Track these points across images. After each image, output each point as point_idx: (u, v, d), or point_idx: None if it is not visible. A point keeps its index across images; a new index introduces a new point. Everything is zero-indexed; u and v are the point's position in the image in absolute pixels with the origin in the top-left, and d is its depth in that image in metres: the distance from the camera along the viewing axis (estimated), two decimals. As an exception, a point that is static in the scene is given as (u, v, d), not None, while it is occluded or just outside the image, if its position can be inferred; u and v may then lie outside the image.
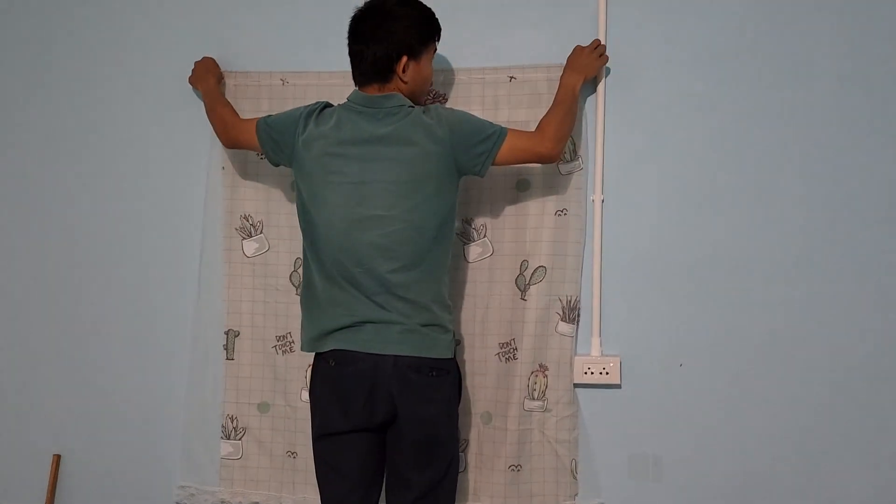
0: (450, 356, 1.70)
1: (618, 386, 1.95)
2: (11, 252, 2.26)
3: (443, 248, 1.72)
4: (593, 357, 1.94)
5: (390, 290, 1.64)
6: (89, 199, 2.21)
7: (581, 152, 1.94)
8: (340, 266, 1.66)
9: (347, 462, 1.70)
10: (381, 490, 1.77)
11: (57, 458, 2.21)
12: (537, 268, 1.93)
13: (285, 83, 2.03)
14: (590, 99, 1.96)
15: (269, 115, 1.84)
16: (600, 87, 1.94)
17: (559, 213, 1.93)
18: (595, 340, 1.95)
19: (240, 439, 2.07)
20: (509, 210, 1.96)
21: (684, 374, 1.94)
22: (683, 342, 1.94)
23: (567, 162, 1.94)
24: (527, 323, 1.93)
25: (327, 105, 1.78)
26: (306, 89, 2.01)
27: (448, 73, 1.99)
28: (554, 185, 1.94)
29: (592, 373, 1.92)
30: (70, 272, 2.22)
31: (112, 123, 2.19)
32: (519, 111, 1.94)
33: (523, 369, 1.93)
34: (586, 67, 1.87)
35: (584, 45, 1.90)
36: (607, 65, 1.93)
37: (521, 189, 1.96)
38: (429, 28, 1.75)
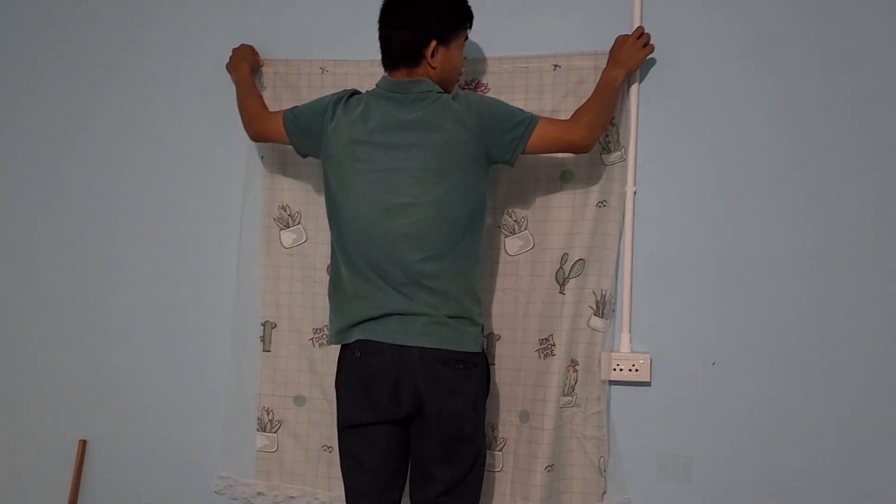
0: (478, 350, 1.67)
1: (647, 384, 1.90)
2: (47, 241, 2.29)
3: (473, 238, 1.69)
4: (623, 354, 1.89)
5: (418, 281, 1.62)
6: (128, 188, 2.22)
7: (624, 142, 1.88)
8: (367, 256, 1.64)
9: (371, 454, 1.68)
10: (404, 483, 1.74)
11: (83, 444, 2.24)
12: (577, 261, 1.88)
13: (324, 71, 2.01)
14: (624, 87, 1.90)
15: (296, 106, 1.83)
16: (635, 74, 1.88)
17: (600, 204, 1.88)
18: (625, 336, 1.90)
19: (275, 432, 2.06)
20: (551, 202, 1.92)
21: (717, 373, 1.89)
22: (716, 340, 1.89)
23: (610, 152, 1.88)
24: (564, 318, 1.88)
25: (355, 92, 1.76)
26: (346, 77, 1.99)
27: (491, 61, 1.94)
28: (596, 176, 1.89)
29: (622, 370, 1.88)
30: (108, 261, 2.24)
31: (150, 112, 2.20)
32: (564, 100, 1.89)
33: (560, 366, 1.88)
34: (629, 60, 1.82)
35: (627, 35, 1.84)
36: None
37: (564, 180, 1.91)
38: (460, 14, 1.72)
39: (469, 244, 1.67)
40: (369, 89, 1.74)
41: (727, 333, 1.88)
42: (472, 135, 1.64)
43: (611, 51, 1.83)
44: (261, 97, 1.97)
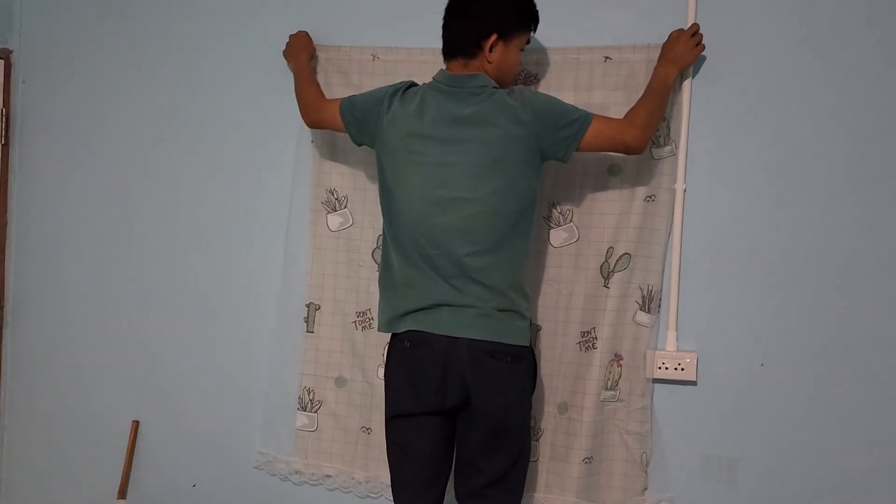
0: (526, 343, 1.67)
1: (693, 383, 1.88)
2: (99, 225, 2.35)
3: (523, 234, 1.69)
4: (669, 352, 1.87)
5: (467, 274, 1.63)
6: (179, 171, 2.26)
7: (675, 137, 1.85)
8: (418, 247, 1.65)
9: (417, 444, 1.70)
10: (449, 474, 1.76)
11: (135, 425, 2.31)
12: (622, 255, 1.87)
13: (375, 58, 2.02)
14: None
15: (354, 95, 1.83)
16: (688, 69, 1.84)
17: (648, 198, 1.86)
18: (671, 335, 1.88)
19: (315, 412, 2.10)
20: (598, 195, 1.90)
21: (765, 375, 1.85)
22: (765, 341, 1.85)
23: (659, 147, 1.86)
24: (608, 311, 1.87)
25: (412, 84, 1.77)
26: (396, 65, 1.99)
27: (540, 52, 1.92)
28: (645, 171, 1.86)
29: (667, 368, 1.86)
30: (158, 245, 2.29)
31: (206, 95, 2.23)
32: (614, 94, 1.86)
33: (602, 359, 1.87)
34: (682, 58, 1.78)
35: (680, 31, 1.80)
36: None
37: (612, 174, 1.89)
38: (526, 15, 1.71)
39: (518, 240, 1.68)
40: (426, 82, 1.75)
41: (777, 335, 1.84)
42: (526, 132, 1.64)
43: (663, 47, 1.80)
44: (318, 85, 1.98)
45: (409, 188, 1.67)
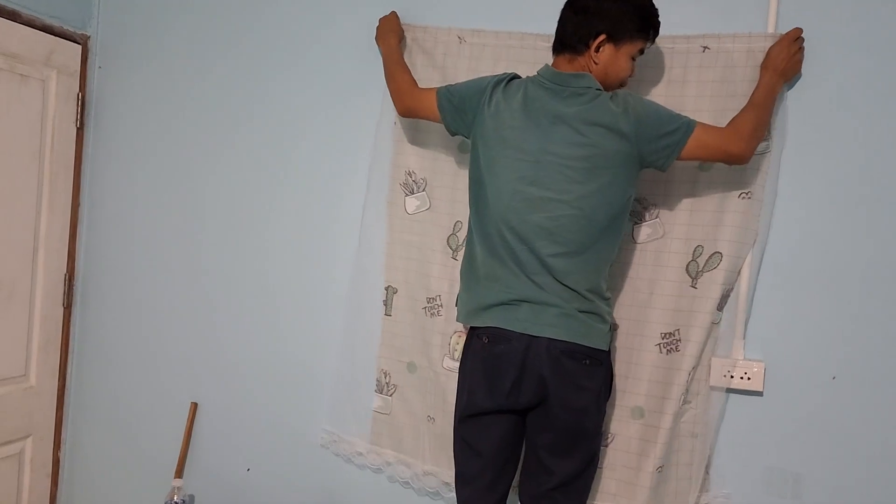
0: (605, 348, 1.63)
1: (759, 393, 1.79)
2: (167, 206, 2.38)
3: (611, 240, 1.64)
4: (735, 360, 1.77)
5: (550, 273, 1.60)
6: (257, 152, 2.27)
7: (773, 132, 1.74)
8: (504, 241, 1.63)
9: (485, 441, 1.68)
10: (514, 473, 1.73)
11: (194, 406, 2.31)
12: (713, 254, 1.77)
13: (462, 41, 1.98)
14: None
15: (451, 84, 1.81)
16: None
17: (743, 195, 1.76)
18: (738, 343, 1.78)
19: (391, 395, 2.08)
20: (687, 190, 1.81)
21: (836, 389, 1.75)
22: (839, 354, 1.74)
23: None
24: (696, 313, 1.77)
25: (515, 76, 1.73)
26: (483, 49, 1.96)
27: None
28: (740, 167, 1.75)
29: (732, 377, 1.76)
30: (230, 227, 2.30)
31: (283, 78, 2.23)
32: (709, 86, 1.77)
33: (686, 363, 1.77)
34: (790, 70, 1.70)
35: (785, 39, 1.70)
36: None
37: (703, 169, 1.80)
38: (644, 23, 1.65)
39: (605, 245, 1.64)
40: (529, 75, 1.71)
41: (851, 348, 1.74)
42: (627, 139, 1.59)
43: (768, 53, 1.71)
44: (409, 71, 1.95)
45: (501, 181, 1.64)
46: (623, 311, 1.86)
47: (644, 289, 1.84)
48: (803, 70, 1.74)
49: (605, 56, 1.63)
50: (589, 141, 1.59)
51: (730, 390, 1.80)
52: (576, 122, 1.60)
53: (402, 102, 1.91)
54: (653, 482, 1.80)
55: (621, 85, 1.70)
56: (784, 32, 1.71)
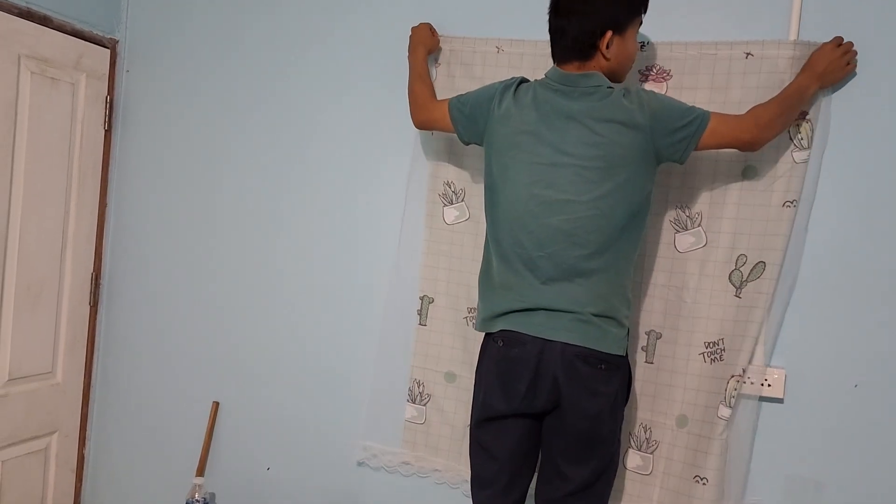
0: (621, 353, 1.62)
1: (780, 400, 1.78)
2: (193, 210, 2.38)
3: (632, 239, 1.63)
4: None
5: (569, 278, 1.58)
6: (292, 160, 2.26)
7: (812, 142, 1.73)
8: (520, 248, 1.61)
9: (501, 445, 1.67)
10: (530, 478, 1.72)
11: (216, 406, 2.33)
12: (757, 263, 1.76)
13: (500, 51, 1.97)
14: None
15: (462, 94, 1.80)
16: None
17: (787, 204, 1.74)
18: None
19: (424, 405, 2.08)
20: (730, 198, 1.80)
21: (859, 396, 1.74)
22: (861, 362, 1.74)
23: (801, 149, 1.75)
24: (740, 322, 1.76)
25: (524, 80, 1.72)
26: (521, 58, 1.95)
27: (676, 46, 1.83)
28: (783, 174, 1.75)
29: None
30: (265, 232, 2.29)
31: (318, 86, 2.22)
32: (755, 92, 1.75)
33: (729, 372, 1.77)
34: (829, 75, 1.68)
35: (832, 45, 1.68)
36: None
37: (747, 177, 1.79)
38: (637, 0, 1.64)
39: (626, 243, 1.62)
40: (538, 78, 1.69)
41: (874, 356, 1.73)
42: (642, 134, 1.58)
43: (812, 55, 1.69)
44: (430, 85, 1.95)
45: (516, 187, 1.63)
46: (669, 320, 1.86)
47: (688, 298, 1.83)
48: (864, 75, 1.72)
49: (615, 50, 1.61)
50: (604, 140, 1.57)
51: (751, 397, 1.79)
52: (589, 120, 1.58)
53: (416, 116, 1.91)
54: (693, 492, 1.79)
55: (631, 66, 1.69)
56: (811, 41, 1.71)
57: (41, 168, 2.24)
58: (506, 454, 1.68)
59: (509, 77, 1.74)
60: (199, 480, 2.28)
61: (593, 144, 1.58)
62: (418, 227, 2.07)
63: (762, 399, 1.80)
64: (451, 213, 2.05)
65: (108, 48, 2.44)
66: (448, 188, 2.05)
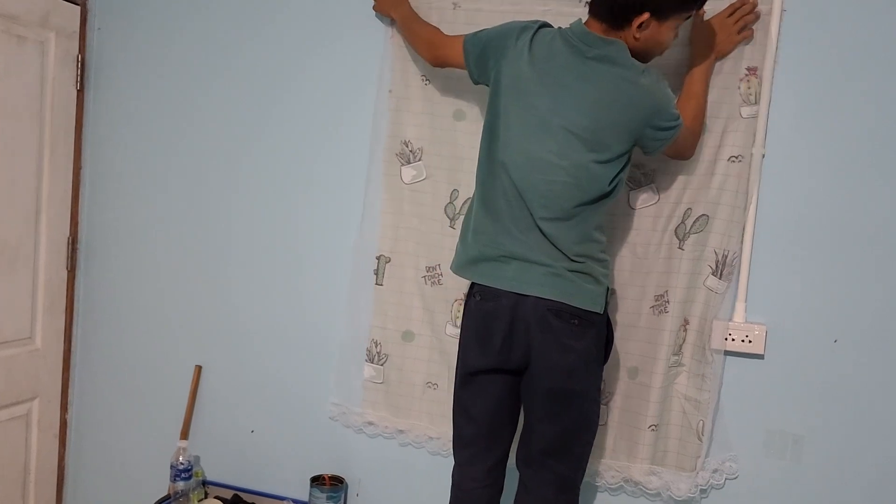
0: (597, 310, 1.60)
1: (761, 356, 1.81)
2: (171, 176, 2.36)
3: (599, 209, 1.62)
4: (737, 323, 1.79)
5: (543, 231, 1.59)
6: (254, 121, 2.24)
7: (760, 97, 1.74)
8: (503, 195, 1.61)
9: (480, 403, 1.68)
10: (511, 439, 1.73)
11: (198, 369, 2.33)
12: (700, 216, 1.79)
13: (456, 7, 1.95)
14: (759, 40, 1.74)
15: (479, 30, 1.74)
16: (773, 27, 1.72)
17: (733, 159, 1.77)
18: (740, 306, 1.80)
19: (382, 364, 2.09)
20: (682, 154, 1.81)
21: (837, 352, 1.77)
22: (840, 317, 1.76)
23: (750, 105, 1.75)
24: (681, 274, 1.80)
25: (545, 25, 1.66)
26: (477, 14, 1.92)
27: None
28: (731, 130, 1.77)
29: (734, 339, 1.79)
30: (230, 192, 2.28)
31: (281, 42, 2.20)
32: None
33: (673, 323, 1.81)
34: (721, 44, 1.70)
35: (722, 15, 1.68)
36: (783, 7, 1.69)
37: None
38: None
39: (593, 213, 1.61)
40: (561, 27, 1.63)
41: (852, 311, 1.76)
42: (638, 117, 1.56)
43: (694, 27, 1.68)
44: (434, 25, 1.90)
45: (508, 133, 1.61)
46: (624, 276, 1.88)
47: (641, 253, 1.86)
48: (784, 36, 1.72)
49: (648, 33, 1.55)
50: (599, 112, 1.55)
51: (731, 353, 1.81)
52: (592, 88, 1.55)
53: (431, 52, 1.85)
54: (648, 440, 1.83)
55: (660, 53, 1.65)
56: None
57: (11, 131, 2.22)
58: (486, 414, 1.68)
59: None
60: (183, 443, 2.29)
61: (587, 113, 1.55)
62: (378, 186, 2.06)
63: (743, 355, 1.82)
64: (408, 173, 2.04)
65: (78, 5, 2.38)
66: (405, 147, 2.03)
